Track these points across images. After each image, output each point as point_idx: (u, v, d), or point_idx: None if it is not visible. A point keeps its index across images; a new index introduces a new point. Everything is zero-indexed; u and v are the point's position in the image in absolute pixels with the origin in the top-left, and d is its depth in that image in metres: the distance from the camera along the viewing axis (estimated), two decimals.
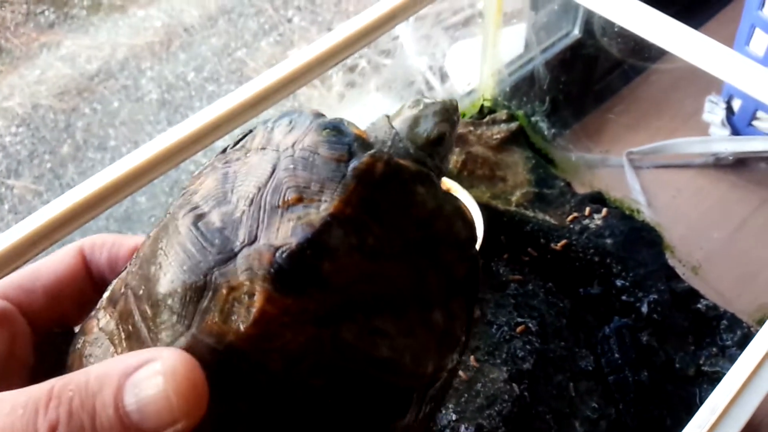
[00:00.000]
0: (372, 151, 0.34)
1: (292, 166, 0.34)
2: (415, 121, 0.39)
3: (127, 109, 1.36)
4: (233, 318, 0.31)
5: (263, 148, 0.36)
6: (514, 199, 0.88)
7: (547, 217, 0.87)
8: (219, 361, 0.31)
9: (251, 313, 0.30)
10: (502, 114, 0.94)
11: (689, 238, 0.90)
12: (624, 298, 0.83)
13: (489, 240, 0.82)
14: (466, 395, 0.74)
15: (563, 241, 0.85)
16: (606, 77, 1.06)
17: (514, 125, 0.93)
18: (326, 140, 0.34)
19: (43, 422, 0.28)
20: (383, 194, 0.33)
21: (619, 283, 0.83)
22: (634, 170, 0.98)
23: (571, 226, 0.86)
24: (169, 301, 0.32)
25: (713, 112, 1.03)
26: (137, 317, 0.34)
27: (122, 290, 0.37)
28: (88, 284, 0.43)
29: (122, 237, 0.44)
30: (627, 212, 0.89)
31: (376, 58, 1.26)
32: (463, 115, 0.97)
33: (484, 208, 0.84)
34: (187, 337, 0.31)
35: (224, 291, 0.31)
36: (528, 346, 0.77)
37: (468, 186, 0.86)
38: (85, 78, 1.38)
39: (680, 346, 0.82)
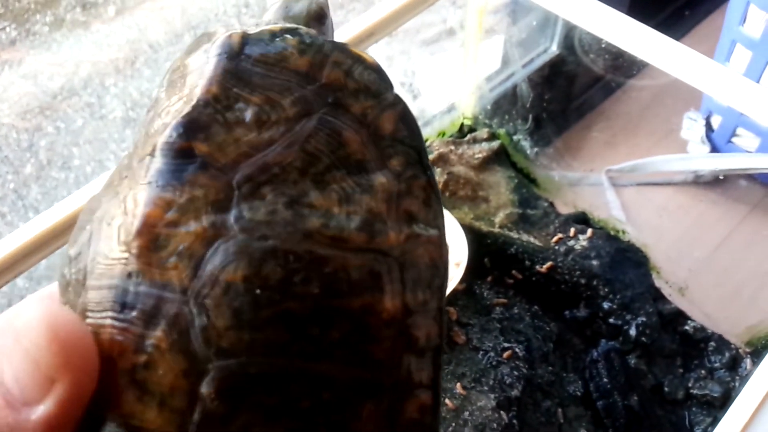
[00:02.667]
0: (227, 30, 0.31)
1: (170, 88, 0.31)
2: (287, 6, 0.35)
3: (92, 127, 1.32)
4: (121, 239, 0.26)
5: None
6: (497, 220, 0.86)
7: (532, 239, 0.85)
8: (119, 302, 0.26)
9: (135, 224, 0.26)
10: (483, 132, 0.92)
11: (673, 257, 0.88)
12: (611, 320, 0.81)
13: (473, 263, 0.80)
14: (453, 425, 0.71)
15: (548, 264, 0.83)
16: (585, 93, 1.05)
17: (495, 144, 0.91)
18: (195, 47, 0.31)
19: None
20: (251, 62, 0.30)
21: (606, 305, 0.81)
22: (614, 188, 0.97)
23: (556, 247, 0.84)
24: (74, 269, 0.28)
25: (692, 128, 1.03)
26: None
27: None
28: None
29: None
30: (612, 232, 0.88)
31: None
32: (443, 134, 0.95)
33: (468, 230, 0.82)
34: (85, 294, 0.27)
35: (113, 219, 0.27)
36: (515, 372, 0.75)
37: (450, 207, 0.84)
38: (48, 96, 1.34)
39: (669, 369, 0.81)
